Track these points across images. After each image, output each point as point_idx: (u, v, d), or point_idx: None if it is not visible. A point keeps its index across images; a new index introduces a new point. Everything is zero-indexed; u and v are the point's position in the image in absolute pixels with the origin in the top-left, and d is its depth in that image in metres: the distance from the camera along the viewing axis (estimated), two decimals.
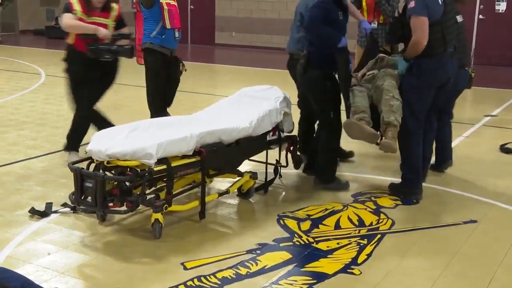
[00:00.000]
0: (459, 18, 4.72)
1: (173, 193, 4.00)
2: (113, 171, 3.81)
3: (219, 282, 3.29)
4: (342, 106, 4.87)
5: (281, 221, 4.18)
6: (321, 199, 4.63)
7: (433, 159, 5.27)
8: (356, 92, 4.78)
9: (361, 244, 3.82)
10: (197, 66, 12.45)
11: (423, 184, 4.80)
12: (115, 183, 3.79)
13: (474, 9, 13.02)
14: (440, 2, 4.43)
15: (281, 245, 3.80)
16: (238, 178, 4.58)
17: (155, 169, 3.77)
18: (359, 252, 3.71)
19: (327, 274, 3.42)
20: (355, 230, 4.05)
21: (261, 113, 4.53)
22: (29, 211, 4.17)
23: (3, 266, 2.88)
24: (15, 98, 8.55)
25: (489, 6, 12.98)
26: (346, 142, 5.50)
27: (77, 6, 5.06)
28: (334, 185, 4.84)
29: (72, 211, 4.20)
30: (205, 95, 9.25)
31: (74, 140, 5.43)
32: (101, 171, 3.76)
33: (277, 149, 4.82)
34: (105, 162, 3.75)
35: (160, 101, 5.47)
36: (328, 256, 3.65)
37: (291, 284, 3.29)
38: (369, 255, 3.67)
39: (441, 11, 4.43)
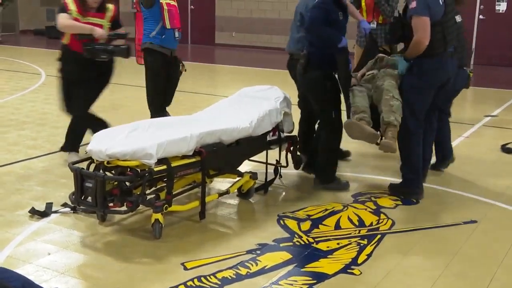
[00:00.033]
0: (458, 18, 4.74)
1: (173, 193, 4.00)
2: (113, 171, 3.81)
3: (219, 282, 3.29)
4: (343, 106, 4.87)
5: (281, 221, 4.18)
6: (321, 199, 4.63)
7: (433, 159, 5.27)
8: (356, 92, 4.78)
9: (361, 244, 3.82)
10: (197, 66, 12.46)
11: (423, 184, 4.80)
12: (115, 183, 3.79)
13: (474, 9, 13.02)
14: (441, 3, 4.44)
15: (281, 245, 3.80)
16: (238, 178, 4.58)
17: (155, 169, 3.77)
18: (359, 252, 3.71)
19: (327, 274, 3.42)
20: (355, 230, 4.05)
21: (261, 113, 4.53)
22: (29, 211, 4.17)
23: (3, 266, 2.88)
24: (16, 98, 8.55)
25: (489, 6, 12.98)
26: (346, 142, 5.49)
27: (72, 6, 5.04)
28: (334, 185, 4.84)
29: (72, 211, 4.20)
30: (205, 95, 9.25)
31: (73, 140, 5.43)
32: (101, 171, 3.76)
33: (277, 149, 4.82)
34: (105, 162, 3.75)
35: (160, 101, 5.47)
36: (328, 256, 3.65)
37: (291, 284, 3.29)
38: (369, 255, 3.67)
39: (441, 11, 4.44)
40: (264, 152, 4.75)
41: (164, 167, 3.82)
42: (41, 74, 10.79)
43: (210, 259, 3.55)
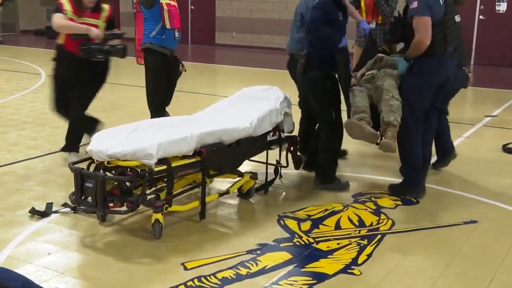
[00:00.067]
0: (457, 18, 4.76)
1: (174, 193, 4.00)
2: (113, 171, 3.81)
3: (219, 283, 3.29)
4: (343, 106, 4.88)
5: (282, 222, 4.18)
6: (322, 200, 4.63)
7: (433, 160, 5.28)
8: (356, 92, 4.79)
9: (362, 245, 3.82)
10: (197, 66, 12.46)
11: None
12: (116, 183, 3.79)
13: (474, 9, 13.02)
14: (442, 3, 4.46)
15: (281, 245, 3.80)
16: (238, 179, 4.58)
17: (156, 169, 3.77)
18: (359, 253, 3.71)
19: (327, 274, 3.42)
20: (356, 231, 4.05)
21: (262, 113, 4.53)
22: (30, 211, 4.17)
23: (3, 266, 2.88)
24: (16, 98, 8.55)
25: (489, 6, 12.97)
26: (347, 142, 5.49)
27: (67, 6, 5.03)
28: (334, 185, 4.84)
29: (72, 211, 4.20)
30: (205, 95, 9.25)
31: (73, 141, 5.43)
32: (101, 171, 3.76)
33: (278, 149, 4.83)
34: (105, 162, 3.75)
35: (160, 101, 5.48)
36: (328, 256, 3.65)
37: (291, 285, 3.29)
38: (369, 256, 3.67)
39: (442, 11, 4.46)
40: (264, 152, 4.75)
41: (164, 167, 3.82)
42: (41, 74, 10.79)
43: (210, 259, 3.55)
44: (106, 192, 3.71)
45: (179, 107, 7.20)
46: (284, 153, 4.95)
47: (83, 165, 3.91)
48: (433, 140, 5.20)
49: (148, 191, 4.10)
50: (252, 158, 4.84)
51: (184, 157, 3.98)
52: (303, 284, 3.30)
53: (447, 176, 5.34)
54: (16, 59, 12.94)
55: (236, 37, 16.21)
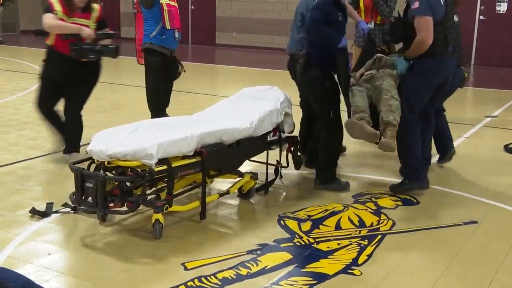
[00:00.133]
0: (456, 18, 4.78)
1: (174, 193, 4.00)
2: (113, 172, 3.81)
3: (220, 283, 3.29)
4: (343, 106, 4.88)
5: (282, 222, 4.18)
6: (322, 200, 4.63)
7: (434, 159, 5.28)
8: (355, 92, 4.80)
9: (362, 245, 3.82)
10: (197, 67, 12.47)
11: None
12: (116, 183, 3.79)
13: (474, 10, 13.03)
14: (442, 3, 4.47)
15: (281, 245, 3.80)
16: (238, 179, 4.58)
17: (156, 169, 3.77)
18: (359, 253, 3.70)
19: (328, 274, 3.42)
20: (356, 231, 4.05)
21: (262, 113, 4.53)
22: (30, 211, 4.17)
23: (3, 266, 2.88)
24: (16, 98, 8.55)
25: (489, 7, 12.97)
26: (347, 143, 5.50)
27: (57, 6, 5.02)
28: (334, 186, 4.84)
29: (72, 211, 4.20)
30: (205, 95, 9.25)
31: (72, 141, 5.43)
32: (101, 171, 3.76)
33: (278, 149, 4.83)
34: (105, 163, 3.75)
35: (160, 101, 5.48)
36: (329, 256, 3.65)
37: (292, 285, 3.29)
38: (369, 256, 3.67)
39: (443, 11, 4.49)
40: (265, 152, 4.75)
41: (165, 167, 3.82)
42: None
43: (210, 259, 3.55)
44: (106, 192, 3.71)
45: (179, 107, 7.21)
46: (284, 153, 4.95)
47: (84, 165, 3.91)
48: (433, 140, 5.23)
49: (148, 191, 4.10)
50: (252, 158, 4.84)
51: (184, 157, 3.98)
52: (303, 284, 3.30)
53: (447, 176, 5.35)
54: (16, 59, 12.94)
55: (237, 37, 16.21)
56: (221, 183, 4.87)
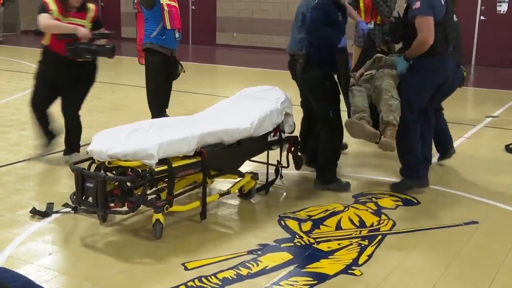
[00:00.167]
0: (455, 18, 4.79)
1: (174, 193, 4.00)
2: (114, 172, 3.81)
3: (220, 283, 3.29)
4: (343, 106, 4.88)
5: (282, 222, 4.18)
6: (322, 200, 4.63)
7: (434, 160, 5.28)
8: (355, 92, 4.81)
9: (362, 245, 3.82)
10: (198, 67, 12.47)
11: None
12: (116, 183, 3.79)
13: (475, 10, 13.03)
14: (443, 2, 4.48)
15: (282, 245, 3.80)
16: (239, 179, 4.58)
17: (156, 169, 3.77)
18: (360, 253, 3.71)
19: (328, 274, 3.42)
20: (356, 231, 4.05)
21: (262, 113, 4.54)
22: (30, 211, 4.17)
23: (4, 266, 2.88)
24: (17, 98, 8.55)
25: (490, 7, 12.97)
26: (348, 142, 5.50)
27: (53, 6, 5.00)
28: (335, 186, 4.84)
29: (73, 211, 4.19)
30: (206, 95, 9.25)
31: (72, 142, 5.43)
32: (102, 171, 3.76)
33: (278, 149, 4.83)
34: (106, 163, 3.75)
35: (160, 101, 5.48)
36: (329, 257, 3.65)
37: (292, 285, 3.29)
38: (370, 256, 3.67)
39: (443, 11, 4.50)
40: (265, 152, 4.75)
41: (165, 167, 3.82)
42: None
43: (211, 260, 3.56)
44: (107, 192, 3.71)
45: (179, 108, 7.21)
46: (284, 153, 4.96)
47: (84, 165, 3.91)
48: (433, 140, 5.23)
49: (148, 191, 4.10)
50: (253, 159, 4.84)
51: (185, 157, 3.99)
52: (303, 285, 3.30)
53: (448, 176, 5.35)
54: (17, 59, 12.94)
55: (237, 38, 16.21)
56: (222, 183, 4.87)
